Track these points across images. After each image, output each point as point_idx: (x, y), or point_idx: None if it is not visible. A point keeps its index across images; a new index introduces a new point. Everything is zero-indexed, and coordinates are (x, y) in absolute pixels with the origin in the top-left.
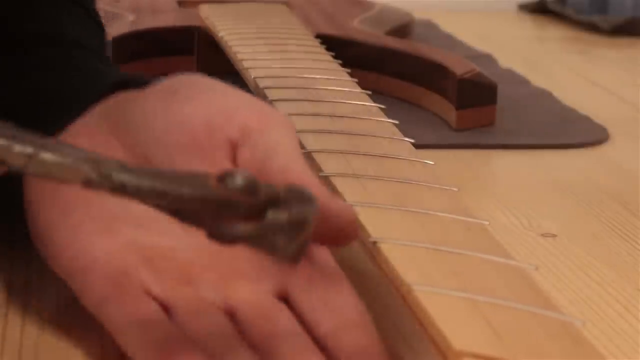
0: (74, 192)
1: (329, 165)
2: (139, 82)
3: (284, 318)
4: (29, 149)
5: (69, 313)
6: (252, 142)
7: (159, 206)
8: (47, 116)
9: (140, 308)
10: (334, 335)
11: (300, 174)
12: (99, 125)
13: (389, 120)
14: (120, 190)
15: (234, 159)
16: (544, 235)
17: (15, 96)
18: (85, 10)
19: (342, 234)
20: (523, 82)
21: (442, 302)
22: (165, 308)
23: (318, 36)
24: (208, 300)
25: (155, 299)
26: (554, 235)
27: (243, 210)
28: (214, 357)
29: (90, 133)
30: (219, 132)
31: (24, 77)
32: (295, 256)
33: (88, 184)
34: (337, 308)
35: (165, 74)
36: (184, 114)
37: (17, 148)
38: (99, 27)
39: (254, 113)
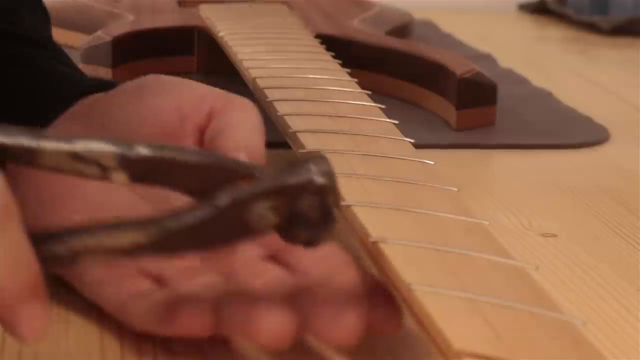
0: (59, 188)
1: None
2: (104, 86)
3: (276, 271)
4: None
5: (69, 314)
6: (215, 121)
7: (193, 175)
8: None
9: (135, 284)
10: (326, 279)
11: (254, 150)
12: (71, 129)
13: (389, 120)
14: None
15: (202, 144)
16: (544, 235)
17: None
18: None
19: None
20: (523, 82)
21: (442, 302)
22: (160, 282)
23: (318, 36)
24: (201, 268)
25: (149, 276)
26: (554, 235)
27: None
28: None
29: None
30: (189, 121)
31: None
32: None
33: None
34: (322, 257)
35: (165, 74)
36: (156, 107)
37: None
38: (45, 14)
39: (220, 99)
